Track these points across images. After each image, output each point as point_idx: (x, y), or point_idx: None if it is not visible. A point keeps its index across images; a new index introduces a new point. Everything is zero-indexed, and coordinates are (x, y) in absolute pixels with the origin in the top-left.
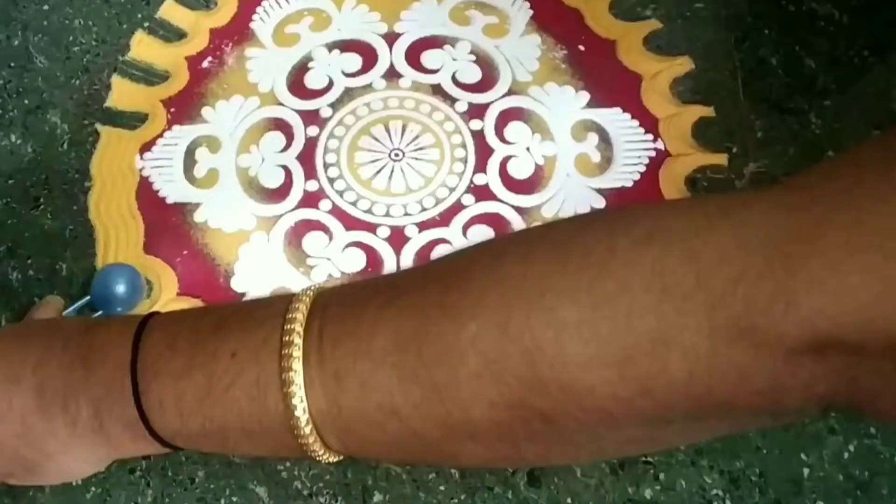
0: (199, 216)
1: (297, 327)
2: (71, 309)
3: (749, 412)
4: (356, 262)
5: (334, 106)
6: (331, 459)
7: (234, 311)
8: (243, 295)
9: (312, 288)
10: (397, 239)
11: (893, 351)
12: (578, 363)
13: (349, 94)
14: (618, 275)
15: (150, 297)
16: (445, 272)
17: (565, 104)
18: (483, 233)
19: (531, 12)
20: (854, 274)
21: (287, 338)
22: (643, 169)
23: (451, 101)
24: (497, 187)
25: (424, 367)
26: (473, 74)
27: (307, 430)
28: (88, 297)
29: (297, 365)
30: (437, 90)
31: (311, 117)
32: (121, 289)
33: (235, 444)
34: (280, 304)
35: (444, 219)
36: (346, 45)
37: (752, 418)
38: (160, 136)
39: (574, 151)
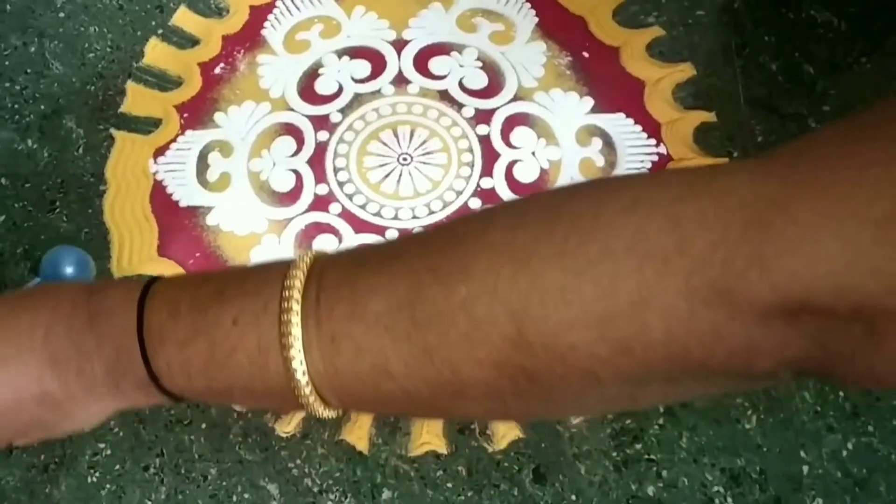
0: (211, 219)
1: (296, 293)
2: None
3: (724, 374)
4: None
5: (344, 111)
6: (330, 415)
7: (233, 278)
8: None
9: (309, 254)
10: None
11: (862, 316)
12: (562, 324)
13: (358, 99)
14: (601, 240)
15: None
16: (438, 239)
17: (570, 109)
18: None
19: (536, 20)
20: (827, 240)
21: (286, 303)
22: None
23: (458, 106)
24: (503, 191)
25: (416, 329)
26: (480, 80)
27: (307, 390)
28: (38, 279)
29: (296, 330)
30: (444, 96)
31: (321, 122)
32: (69, 270)
33: (240, 400)
34: (278, 270)
35: None
36: (355, 52)
37: (728, 380)
38: (173, 140)
39: (578, 156)
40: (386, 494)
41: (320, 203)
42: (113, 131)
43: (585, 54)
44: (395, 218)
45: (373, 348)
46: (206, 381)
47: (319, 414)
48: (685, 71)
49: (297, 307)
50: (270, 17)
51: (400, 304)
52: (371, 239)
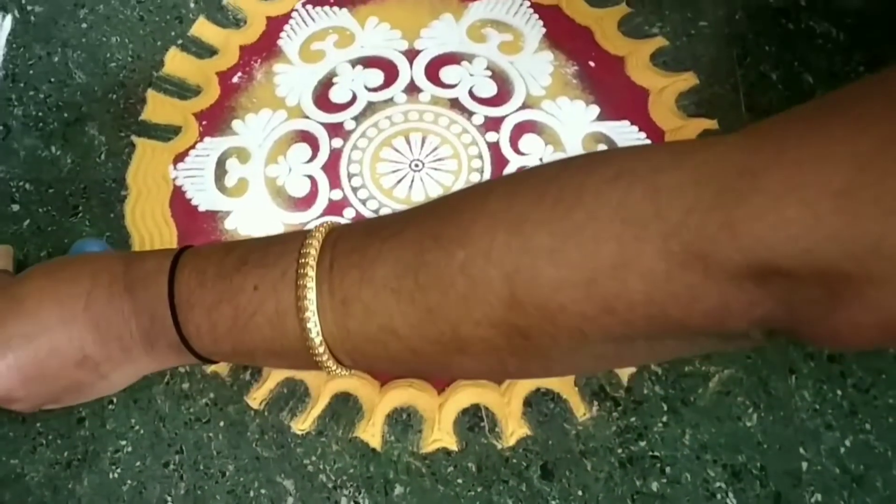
0: (229, 223)
1: (311, 261)
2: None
3: (700, 332)
4: None
5: (357, 119)
6: (343, 373)
7: (254, 248)
8: None
9: (324, 225)
10: None
11: (822, 278)
12: (551, 285)
13: (372, 107)
14: (587, 208)
15: None
16: (440, 209)
17: (576, 117)
18: None
19: (544, 30)
20: (791, 208)
21: (301, 271)
22: None
23: (469, 114)
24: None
25: (420, 292)
26: (489, 89)
27: (321, 350)
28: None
29: (311, 294)
30: (454, 104)
31: (335, 130)
32: None
33: (262, 360)
34: (295, 240)
35: None
36: (368, 62)
37: (705, 340)
38: (192, 147)
39: None
40: (398, 490)
41: (335, 208)
42: (134, 138)
43: (592, 64)
44: None
45: (381, 310)
46: (231, 343)
47: (332, 371)
48: (688, 80)
49: (311, 273)
50: (286, 27)
51: (405, 269)
52: None
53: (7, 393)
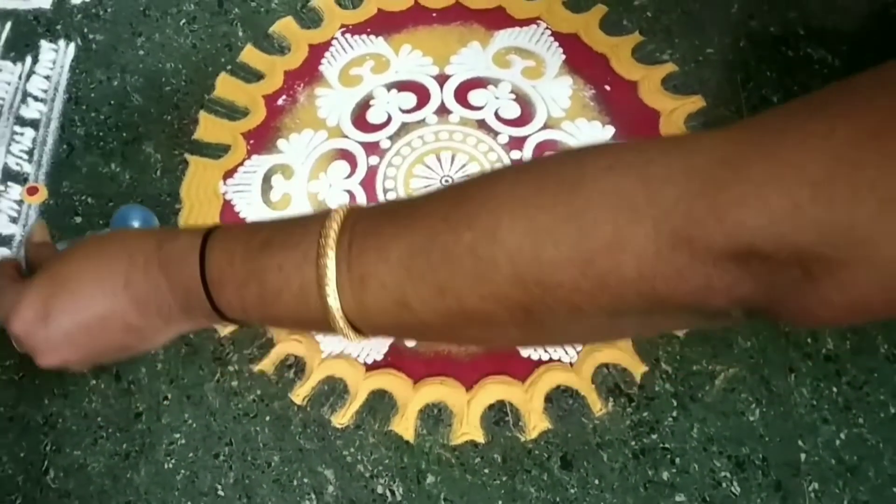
0: None
1: (331, 242)
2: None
3: (686, 309)
4: None
5: (392, 138)
6: (360, 340)
7: (278, 231)
8: None
9: (343, 208)
10: None
11: (798, 261)
12: (551, 263)
13: (405, 128)
14: (585, 194)
15: None
16: (450, 194)
17: (593, 137)
18: None
19: (564, 57)
20: (770, 195)
21: (322, 251)
22: None
23: (494, 134)
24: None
25: (430, 270)
26: (513, 111)
27: (341, 322)
28: (108, 230)
29: (331, 273)
30: (481, 124)
31: (372, 148)
32: (136, 224)
33: (289, 327)
34: (316, 223)
35: None
36: (402, 86)
37: (689, 316)
38: (241, 164)
39: None
40: (430, 479)
41: None
42: (187, 156)
43: (607, 87)
44: None
45: (395, 286)
46: (260, 315)
47: (351, 339)
48: (696, 102)
49: (331, 254)
50: (327, 54)
51: (418, 249)
52: None
53: (63, 361)
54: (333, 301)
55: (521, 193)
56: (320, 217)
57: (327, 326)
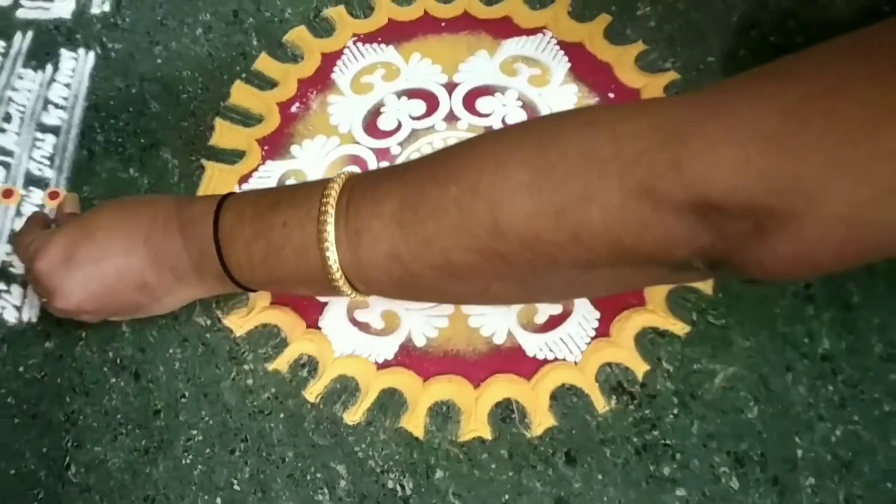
0: None
1: (331, 201)
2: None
3: (651, 261)
4: None
5: (402, 144)
6: (356, 297)
7: (285, 193)
8: (325, 304)
9: (343, 174)
10: None
11: (750, 212)
12: (528, 215)
13: (415, 134)
14: (559, 149)
15: (247, 305)
16: (438, 155)
17: None
18: None
19: (569, 65)
20: (724, 150)
21: (323, 209)
22: None
23: None
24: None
25: (419, 222)
26: (520, 117)
27: (338, 275)
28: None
29: (330, 228)
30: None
31: (383, 154)
32: None
33: (291, 287)
34: (319, 186)
35: None
36: (412, 93)
37: (657, 269)
38: (255, 169)
39: None
40: (439, 474)
41: None
42: (203, 161)
43: (611, 95)
44: None
45: (387, 239)
46: (265, 272)
47: (347, 295)
48: None
49: (331, 211)
50: (339, 62)
51: (407, 204)
52: None
53: (78, 306)
54: (331, 255)
55: (502, 149)
56: (324, 181)
57: (325, 283)
